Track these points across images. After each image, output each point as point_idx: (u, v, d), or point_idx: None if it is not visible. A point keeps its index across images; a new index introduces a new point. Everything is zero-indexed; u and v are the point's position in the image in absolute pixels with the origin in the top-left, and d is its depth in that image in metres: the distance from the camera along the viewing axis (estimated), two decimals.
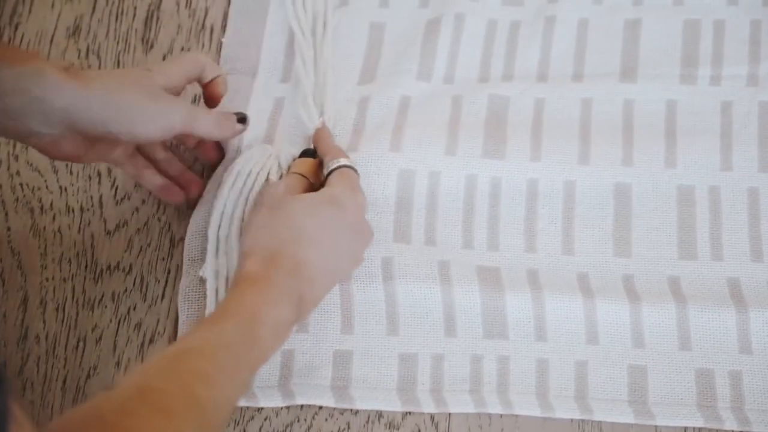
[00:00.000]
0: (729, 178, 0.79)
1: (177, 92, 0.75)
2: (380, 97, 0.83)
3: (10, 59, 0.67)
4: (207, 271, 0.75)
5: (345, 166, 0.75)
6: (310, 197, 0.72)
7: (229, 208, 0.76)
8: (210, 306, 0.74)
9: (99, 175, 0.82)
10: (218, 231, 0.76)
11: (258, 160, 0.78)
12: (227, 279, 0.75)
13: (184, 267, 0.77)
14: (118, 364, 0.75)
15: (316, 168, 0.77)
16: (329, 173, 0.75)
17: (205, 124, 0.73)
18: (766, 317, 0.73)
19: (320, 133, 0.79)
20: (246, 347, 0.63)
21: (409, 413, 0.72)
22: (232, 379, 0.62)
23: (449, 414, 0.72)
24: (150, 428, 0.54)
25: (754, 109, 0.81)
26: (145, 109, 0.70)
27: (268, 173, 0.78)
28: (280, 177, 0.78)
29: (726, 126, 0.81)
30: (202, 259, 0.76)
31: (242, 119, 0.76)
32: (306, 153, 0.78)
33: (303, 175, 0.75)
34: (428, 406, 0.72)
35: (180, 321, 0.76)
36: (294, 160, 0.78)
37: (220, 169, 0.80)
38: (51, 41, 0.87)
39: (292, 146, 0.80)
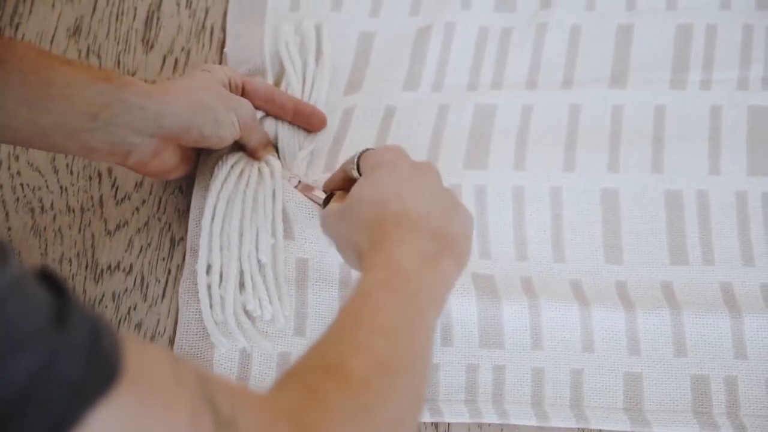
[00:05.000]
0: (717, 182, 0.75)
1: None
2: (365, 107, 0.78)
3: (105, 77, 0.66)
4: (198, 264, 0.71)
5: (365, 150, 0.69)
6: (360, 182, 0.65)
7: (222, 203, 0.72)
8: (203, 301, 0.70)
9: (99, 175, 0.78)
10: (211, 224, 0.72)
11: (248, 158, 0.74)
12: (221, 275, 0.71)
13: (186, 257, 0.73)
14: None
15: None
16: (357, 164, 0.68)
17: (258, 138, 0.73)
18: (760, 322, 0.69)
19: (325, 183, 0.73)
20: (390, 286, 0.56)
21: None
22: (402, 323, 0.54)
23: None
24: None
25: (743, 113, 0.77)
26: (222, 112, 0.69)
27: (259, 169, 0.74)
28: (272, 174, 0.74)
29: (714, 130, 0.77)
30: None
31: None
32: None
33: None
34: (423, 416, 0.68)
35: (180, 312, 0.72)
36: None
37: (212, 157, 0.75)
38: (51, 42, 0.83)
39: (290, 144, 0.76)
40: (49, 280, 0.41)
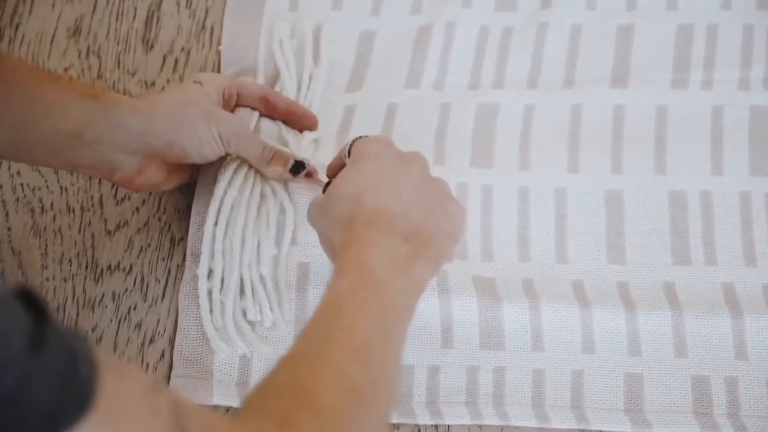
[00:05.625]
0: (720, 182, 0.74)
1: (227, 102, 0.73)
2: (366, 105, 0.78)
3: (91, 95, 0.65)
4: (200, 269, 0.70)
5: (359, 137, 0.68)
6: (346, 169, 0.64)
7: (226, 208, 0.72)
8: (203, 306, 0.70)
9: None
10: (214, 228, 0.71)
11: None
12: (222, 280, 0.70)
13: (186, 262, 0.73)
14: None
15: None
16: (348, 151, 0.67)
17: (251, 154, 0.71)
18: (761, 323, 0.68)
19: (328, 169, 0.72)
20: (362, 297, 0.55)
21: None
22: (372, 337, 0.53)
23: None
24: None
25: (744, 113, 0.76)
26: (205, 131, 0.68)
27: (262, 191, 0.73)
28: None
29: (716, 130, 0.76)
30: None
31: (296, 167, 0.71)
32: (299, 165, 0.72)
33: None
34: (424, 418, 0.67)
35: (180, 317, 0.71)
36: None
37: (215, 162, 0.74)
38: (51, 41, 0.83)
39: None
40: (30, 300, 0.40)
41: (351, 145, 0.66)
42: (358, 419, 0.50)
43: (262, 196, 0.72)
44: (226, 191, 0.72)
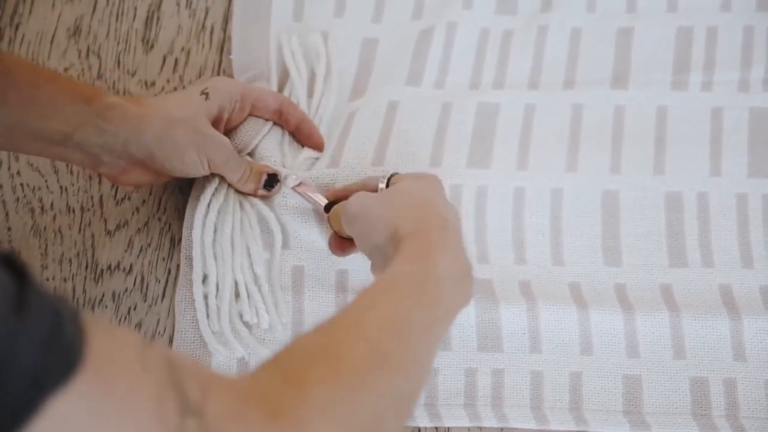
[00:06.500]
0: (718, 184, 0.74)
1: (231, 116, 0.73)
2: (368, 106, 0.78)
3: (86, 97, 0.66)
4: (194, 274, 0.71)
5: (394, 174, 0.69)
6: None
7: (212, 214, 0.71)
8: (200, 310, 0.70)
9: (99, 174, 0.78)
10: (202, 235, 0.71)
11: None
12: (217, 285, 0.70)
13: (182, 267, 0.73)
14: None
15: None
16: (388, 181, 0.68)
17: (231, 177, 0.71)
18: (759, 324, 0.69)
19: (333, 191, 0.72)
20: (419, 289, 0.53)
21: None
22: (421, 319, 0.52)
23: None
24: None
25: (744, 115, 0.76)
26: (191, 153, 0.68)
27: (241, 203, 0.73)
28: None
29: (716, 132, 0.76)
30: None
31: (270, 182, 0.72)
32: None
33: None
34: (423, 421, 0.68)
35: (176, 321, 0.71)
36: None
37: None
38: (51, 41, 0.83)
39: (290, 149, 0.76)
40: (11, 265, 0.39)
41: (392, 176, 0.68)
42: (380, 385, 0.47)
43: (242, 207, 0.73)
44: (213, 196, 0.72)
